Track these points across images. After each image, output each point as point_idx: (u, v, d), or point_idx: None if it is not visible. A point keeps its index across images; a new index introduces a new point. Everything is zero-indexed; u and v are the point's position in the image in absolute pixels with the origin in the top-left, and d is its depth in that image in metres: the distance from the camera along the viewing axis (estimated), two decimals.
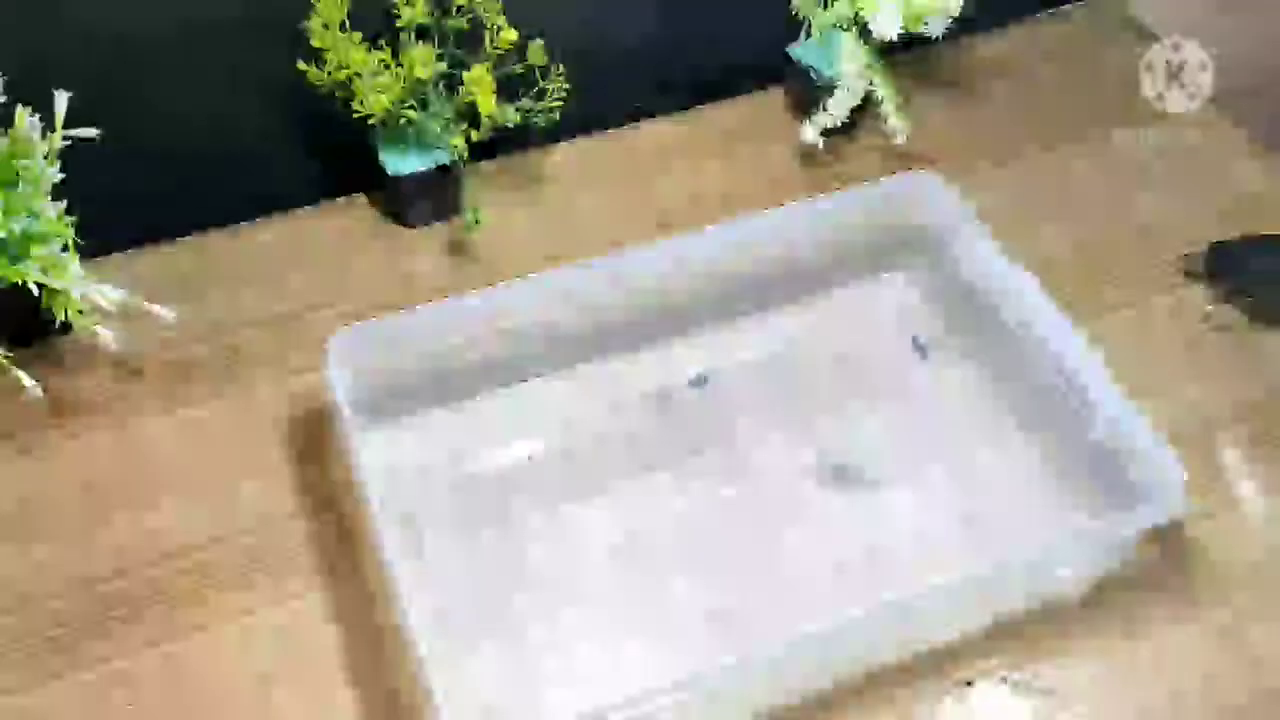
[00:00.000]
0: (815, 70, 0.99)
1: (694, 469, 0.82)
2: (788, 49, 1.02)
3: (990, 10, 1.11)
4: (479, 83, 0.87)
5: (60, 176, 0.77)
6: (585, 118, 1.01)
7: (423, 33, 0.88)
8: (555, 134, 0.97)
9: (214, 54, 0.88)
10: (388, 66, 0.87)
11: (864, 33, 0.95)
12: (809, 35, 1.01)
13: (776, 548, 0.78)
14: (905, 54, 1.06)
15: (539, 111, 0.92)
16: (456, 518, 0.79)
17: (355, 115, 0.87)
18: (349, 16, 0.85)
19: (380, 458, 0.81)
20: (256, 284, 0.91)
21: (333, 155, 0.97)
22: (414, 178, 0.91)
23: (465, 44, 0.90)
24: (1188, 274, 0.93)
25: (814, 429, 0.83)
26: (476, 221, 0.92)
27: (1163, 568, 0.77)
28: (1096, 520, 0.75)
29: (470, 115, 0.90)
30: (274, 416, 0.84)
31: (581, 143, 1.02)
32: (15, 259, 0.76)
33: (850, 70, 0.95)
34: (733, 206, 0.97)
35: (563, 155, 1.01)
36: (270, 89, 0.91)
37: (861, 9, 0.94)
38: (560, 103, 0.92)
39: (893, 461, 0.82)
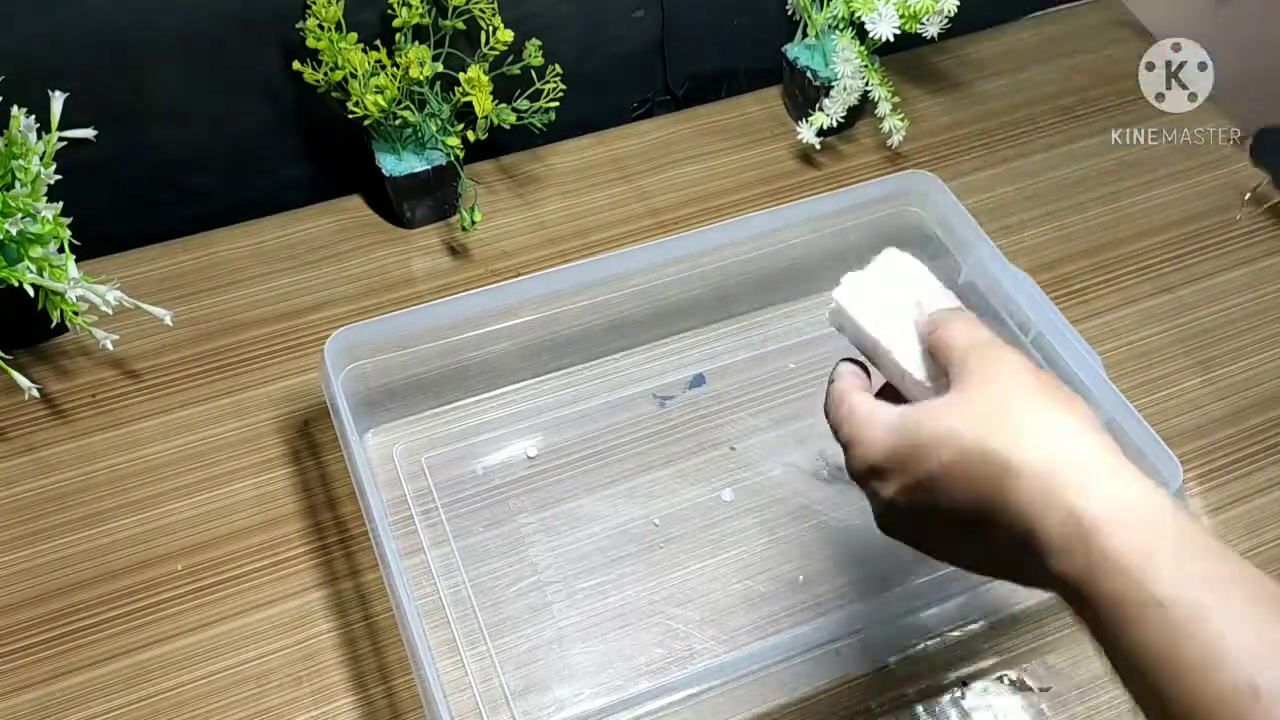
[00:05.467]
0: (812, 70, 0.99)
1: (693, 469, 0.82)
2: (784, 49, 1.02)
3: (987, 10, 1.12)
4: (475, 83, 0.87)
5: (56, 177, 0.76)
6: (582, 118, 1.01)
7: (419, 33, 0.88)
8: (552, 134, 0.97)
9: (210, 54, 0.87)
10: (384, 67, 0.87)
11: (860, 33, 0.95)
12: (806, 35, 1.02)
13: (776, 547, 0.78)
14: (902, 54, 1.06)
15: (536, 111, 0.92)
16: (456, 517, 0.79)
17: (351, 116, 0.87)
18: (345, 17, 0.85)
19: (378, 458, 0.81)
20: (253, 284, 0.91)
21: (329, 156, 0.97)
22: (410, 178, 0.91)
23: (462, 44, 0.90)
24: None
25: (813, 428, 0.83)
26: (474, 222, 0.92)
27: None
28: None
29: (467, 116, 0.90)
30: (272, 417, 0.83)
31: (578, 143, 1.02)
32: (12, 260, 0.76)
33: (847, 70, 0.95)
34: (730, 206, 0.97)
35: (559, 155, 1.01)
36: (266, 89, 0.91)
37: (858, 9, 0.94)
38: (556, 103, 0.92)
39: None
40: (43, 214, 0.75)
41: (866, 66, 0.96)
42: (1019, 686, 0.72)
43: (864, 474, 0.52)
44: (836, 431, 0.55)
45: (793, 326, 0.90)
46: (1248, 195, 0.91)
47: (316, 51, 0.86)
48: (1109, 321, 0.91)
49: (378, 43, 0.88)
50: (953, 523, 0.48)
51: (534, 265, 0.93)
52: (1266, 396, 0.86)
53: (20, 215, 0.74)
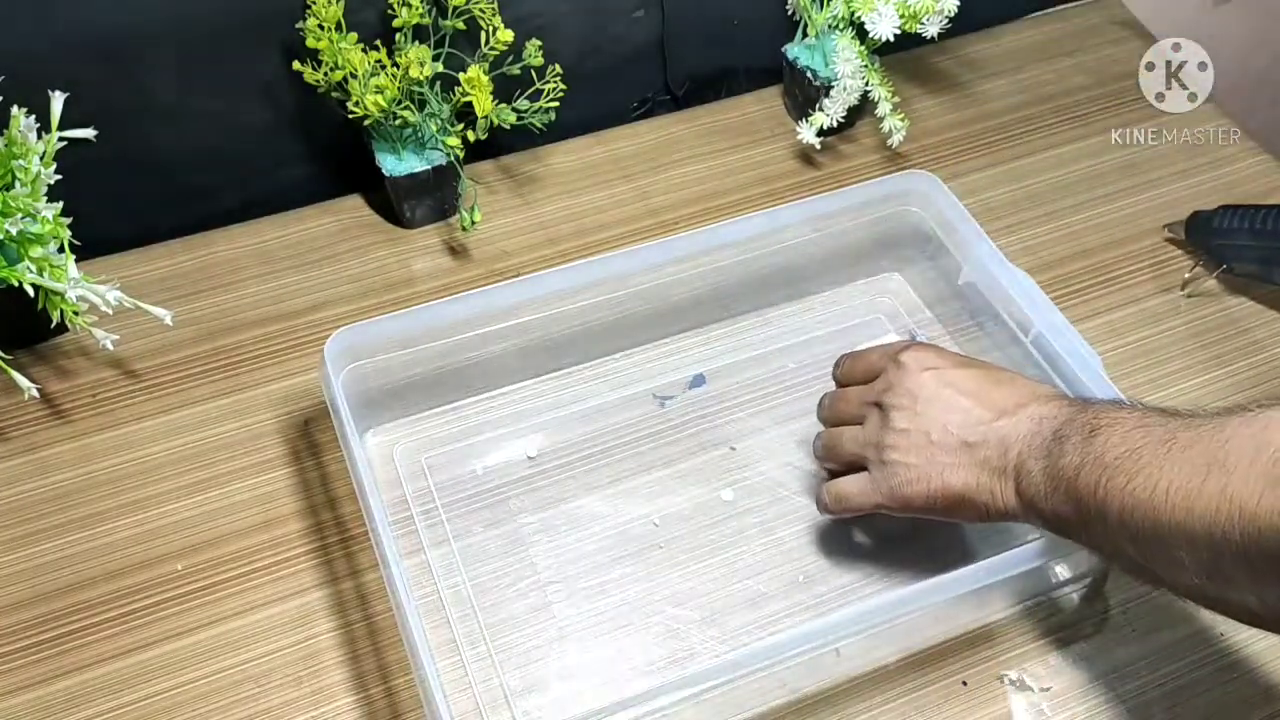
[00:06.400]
0: (812, 70, 0.99)
1: (693, 469, 0.82)
2: (784, 49, 1.02)
3: (987, 10, 1.12)
4: (475, 83, 0.87)
5: (56, 177, 0.76)
6: (582, 118, 1.01)
7: (419, 33, 0.88)
8: (552, 134, 0.97)
9: (210, 54, 0.87)
10: (384, 67, 0.87)
11: (860, 33, 0.95)
12: (806, 35, 1.01)
13: (776, 547, 0.78)
14: (902, 54, 1.06)
15: (535, 112, 0.92)
16: (456, 517, 0.79)
17: (351, 116, 0.87)
18: (345, 17, 0.85)
19: (378, 458, 0.81)
20: (253, 284, 0.91)
21: (329, 156, 0.97)
22: (410, 178, 0.91)
23: (462, 44, 0.90)
24: (1170, 241, 0.94)
25: (813, 428, 0.83)
26: (474, 222, 0.92)
27: None
28: None
29: (467, 116, 0.90)
30: (272, 417, 0.83)
31: (578, 143, 1.02)
32: (12, 260, 0.76)
33: (847, 70, 0.95)
34: (730, 206, 0.97)
35: (559, 155, 1.01)
36: (266, 89, 0.91)
37: (858, 9, 0.94)
38: (556, 103, 0.92)
39: None
40: (43, 214, 0.75)
41: (866, 66, 0.96)
42: (1019, 686, 0.72)
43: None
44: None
45: (793, 326, 0.90)
46: (1186, 275, 0.92)
47: (316, 51, 0.86)
48: (1109, 321, 0.91)
49: (378, 43, 0.88)
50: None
51: (534, 265, 0.93)
52: (1267, 396, 0.86)
53: (20, 215, 0.74)
